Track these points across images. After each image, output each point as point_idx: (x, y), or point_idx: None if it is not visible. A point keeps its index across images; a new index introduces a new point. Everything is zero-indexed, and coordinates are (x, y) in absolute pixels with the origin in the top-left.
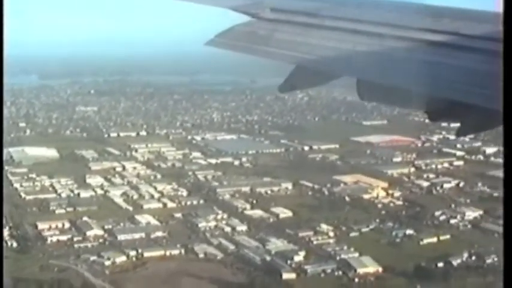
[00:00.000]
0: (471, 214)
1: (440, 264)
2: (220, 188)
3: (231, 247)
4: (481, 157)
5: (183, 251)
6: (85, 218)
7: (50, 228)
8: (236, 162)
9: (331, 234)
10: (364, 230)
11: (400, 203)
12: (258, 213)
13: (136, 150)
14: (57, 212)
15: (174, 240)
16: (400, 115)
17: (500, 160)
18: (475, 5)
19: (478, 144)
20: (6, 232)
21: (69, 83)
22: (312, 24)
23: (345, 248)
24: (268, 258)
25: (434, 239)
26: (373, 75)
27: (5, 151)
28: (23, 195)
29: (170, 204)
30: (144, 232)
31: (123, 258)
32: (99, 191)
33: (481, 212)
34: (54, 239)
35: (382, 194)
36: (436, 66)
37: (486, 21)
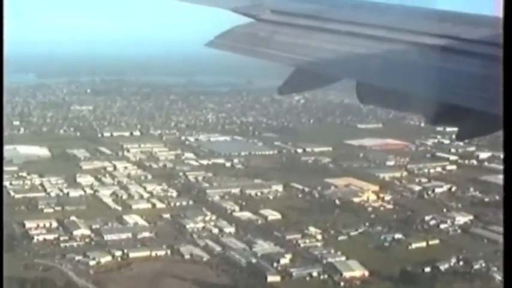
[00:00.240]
0: (461, 219)
1: (428, 269)
2: (210, 189)
3: (218, 249)
4: (475, 162)
5: (169, 252)
6: (73, 218)
7: (37, 227)
8: (228, 164)
9: (319, 237)
10: (353, 233)
11: (390, 206)
12: (246, 215)
13: (128, 150)
14: (45, 211)
15: (160, 241)
16: (395, 119)
17: (493, 165)
18: (476, 9)
19: (472, 149)
20: None
21: (66, 82)
22: (312, 26)
23: (332, 251)
24: (254, 260)
25: (423, 244)
26: (372, 79)
27: None
28: (12, 193)
29: (159, 205)
30: (131, 232)
31: (109, 258)
32: (89, 191)
33: (471, 217)
34: (41, 237)
35: (373, 197)
36: (435, 70)
37: (486, 25)
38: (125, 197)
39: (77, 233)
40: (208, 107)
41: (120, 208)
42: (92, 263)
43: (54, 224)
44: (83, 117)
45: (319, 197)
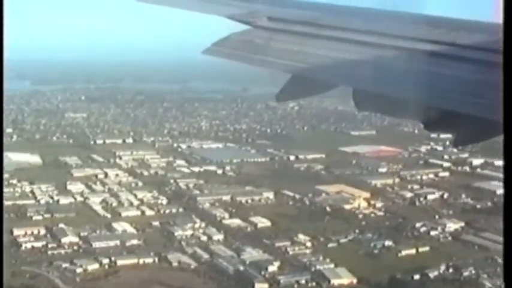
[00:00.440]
0: (452, 226)
1: (417, 277)
2: (201, 197)
3: (205, 256)
4: (467, 168)
5: (156, 259)
6: (61, 225)
7: (25, 235)
8: (219, 171)
9: (309, 244)
10: (343, 240)
11: (381, 213)
12: (236, 222)
13: (120, 158)
14: (34, 218)
15: (149, 249)
16: (389, 125)
17: (486, 172)
18: (470, 15)
19: (465, 155)
20: None
21: (61, 89)
22: (308, 33)
23: (321, 258)
24: (241, 268)
25: (413, 251)
26: (368, 85)
27: None
28: None
29: (149, 212)
30: (120, 240)
31: (96, 266)
32: (79, 198)
33: (462, 224)
34: (29, 245)
35: (364, 204)
36: (431, 76)
37: (480, 31)
38: (114, 204)
39: (65, 240)
40: (203, 114)
41: (109, 215)
42: (78, 270)
43: (43, 232)
44: (77, 125)
45: (309, 204)
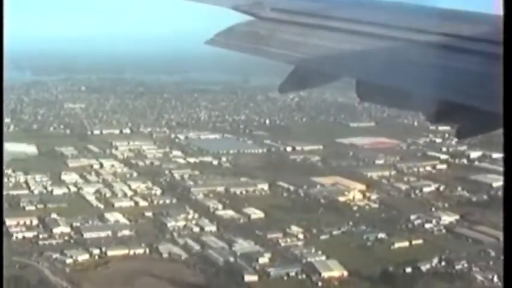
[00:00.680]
0: (447, 219)
1: (409, 269)
2: (195, 188)
3: (196, 247)
4: (465, 161)
5: (147, 250)
6: (54, 215)
7: (17, 225)
8: (215, 162)
9: (301, 236)
10: (336, 232)
11: (376, 206)
12: (229, 213)
13: (116, 148)
14: (27, 208)
15: (140, 240)
16: (389, 117)
17: (484, 164)
18: (477, 7)
19: (463, 148)
20: None
21: (62, 79)
22: (313, 24)
23: (313, 250)
24: (232, 259)
25: (406, 243)
26: (372, 76)
27: None
28: None
29: (142, 203)
30: (111, 230)
31: (86, 256)
32: (73, 189)
33: (457, 217)
34: (20, 235)
35: (359, 196)
36: (434, 67)
37: (486, 23)
38: (108, 194)
39: (56, 230)
40: (202, 105)
41: (102, 206)
42: (68, 261)
43: (35, 222)
44: (75, 115)
45: (304, 196)
